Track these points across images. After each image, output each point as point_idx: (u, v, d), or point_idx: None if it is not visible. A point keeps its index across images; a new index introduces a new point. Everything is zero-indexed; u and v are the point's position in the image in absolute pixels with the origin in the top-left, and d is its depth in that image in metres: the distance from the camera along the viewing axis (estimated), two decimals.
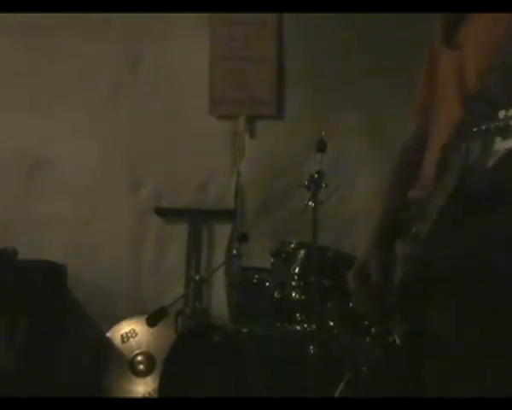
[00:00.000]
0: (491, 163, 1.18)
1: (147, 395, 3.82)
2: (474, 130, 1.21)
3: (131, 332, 3.92)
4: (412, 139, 1.79)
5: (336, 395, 2.48)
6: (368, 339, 2.49)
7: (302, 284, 3.08)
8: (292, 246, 3.20)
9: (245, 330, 2.89)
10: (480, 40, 1.48)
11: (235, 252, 3.58)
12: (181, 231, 4.08)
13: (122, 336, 3.93)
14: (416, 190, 1.59)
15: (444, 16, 1.62)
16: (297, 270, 3.12)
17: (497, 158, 1.17)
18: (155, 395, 3.48)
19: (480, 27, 1.49)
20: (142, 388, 3.86)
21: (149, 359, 3.88)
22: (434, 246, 1.45)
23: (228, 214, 4.08)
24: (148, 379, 3.86)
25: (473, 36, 1.50)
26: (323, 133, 3.06)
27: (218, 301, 3.93)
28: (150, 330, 3.39)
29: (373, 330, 1.92)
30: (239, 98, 4.09)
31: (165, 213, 4.11)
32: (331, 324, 2.89)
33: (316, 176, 3.02)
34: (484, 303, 1.40)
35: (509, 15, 1.43)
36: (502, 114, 1.18)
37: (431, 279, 1.49)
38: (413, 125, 1.80)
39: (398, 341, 1.64)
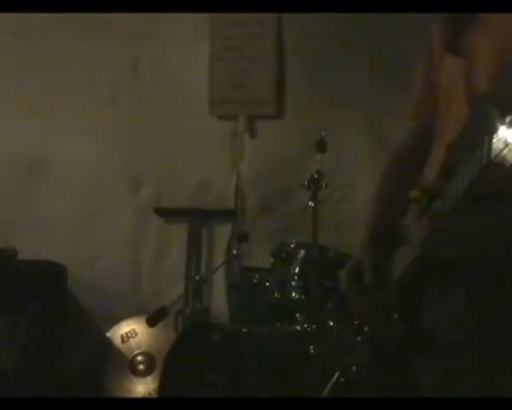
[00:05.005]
0: None
1: (147, 395, 3.82)
2: (499, 122, 1.18)
3: (131, 332, 3.92)
4: (407, 142, 1.78)
5: (325, 393, 2.49)
6: (359, 338, 2.49)
7: (302, 284, 3.08)
8: (292, 246, 3.20)
9: (245, 330, 2.88)
10: (493, 46, 1.46)
11: (235, 252, 3.58)
12: (181, 231, 4.07)
13: (122, 336, 3.92)
14: (415, 190, 1.58)
15: (446, 23, 1.59)
16: (297, 270, 3.12)
17: None
18: (155, 395, 3.48)
19: (491, 33, 1.47)
20: (142, 388, 3.86)
21: (149, 359, 3.88)
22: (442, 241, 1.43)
23: (228, 214, 4.08)
24: (148, 379, 3.86)
25: (485, 41, 1.48)
26: (323, 133, 3.06)
27: (218, 301, 3.93)
28: (150, 330, 3.40)
29: (365, 329, 1.92)
30: (239, 98, 4.08)
31: (165, 213, 4.11)
32: (331, 324, 2.89)
33: (316, 176, 3.03)
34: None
35: None
36: None
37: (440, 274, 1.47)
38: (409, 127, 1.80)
39: (392, 340, 1.63)
